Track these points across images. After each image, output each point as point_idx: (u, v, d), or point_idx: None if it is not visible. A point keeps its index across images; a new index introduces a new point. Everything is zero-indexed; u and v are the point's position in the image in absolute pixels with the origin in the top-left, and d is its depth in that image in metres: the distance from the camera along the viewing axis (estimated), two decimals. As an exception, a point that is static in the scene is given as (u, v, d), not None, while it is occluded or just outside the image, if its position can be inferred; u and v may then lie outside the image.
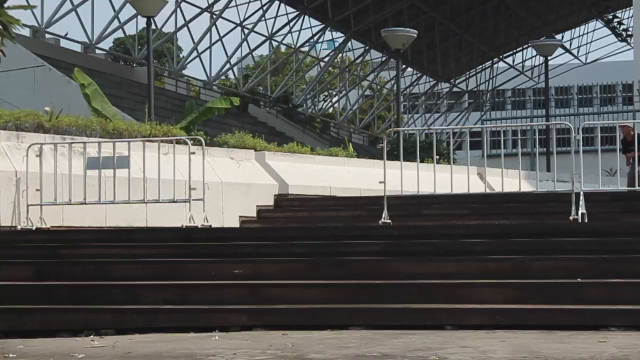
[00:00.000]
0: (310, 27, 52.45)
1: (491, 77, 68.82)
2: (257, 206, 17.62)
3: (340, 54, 56.42)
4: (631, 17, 61.71)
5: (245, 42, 48.70)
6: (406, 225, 14.53)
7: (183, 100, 38.08)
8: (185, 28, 44.92)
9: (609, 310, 10.16)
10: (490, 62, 67.77)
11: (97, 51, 41.72)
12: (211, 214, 15.65)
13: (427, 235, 13.16)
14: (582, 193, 14.57)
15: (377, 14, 51.86)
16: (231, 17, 48.34)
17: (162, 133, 18.06)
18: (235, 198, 17.22)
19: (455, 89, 68.56)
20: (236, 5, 47.12)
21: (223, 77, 53.15)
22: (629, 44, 70.47)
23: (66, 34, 39.81)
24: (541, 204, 16.53)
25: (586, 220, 14.28)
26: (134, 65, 46.57)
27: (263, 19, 48.84)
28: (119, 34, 47.84)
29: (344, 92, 58.91)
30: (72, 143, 15.21)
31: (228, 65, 48.54)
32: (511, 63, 69.01)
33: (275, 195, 18.27)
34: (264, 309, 10.79)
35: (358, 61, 58.95)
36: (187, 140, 15.67)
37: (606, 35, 72.68)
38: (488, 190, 18.64)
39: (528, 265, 11.31)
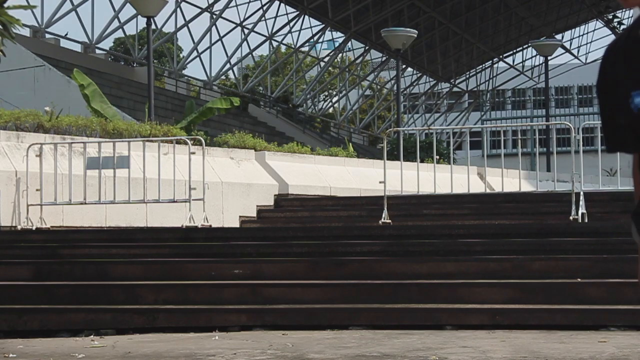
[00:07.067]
0: (310, 27, 52.45)
1: (491, 77, 68.78)
2: (257, 206, 17.62)
3: (340, 54, 56.40)
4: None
5: (245, 42, 48.70)
6: (406, 225, 14.52)
7: (183, 100, 38.05)
8: (185, 28, 44.90)
9: (609, 310, 10.17)
10: (490, 62, 67.74)
11: (97, 51, 41.67)
12: (211, 214, 15.66)
13: (427, 235, 13.17)
14: (582, 193, 14.57)
15: (377, 14, 51.84)
16: (231, 17, 48.40)
17: (162, 133, 18.05)
18: (235, 198, 17.22)
19: (455, 89, 68.52)
20: (236, 5, 47.11)
21: (223, 77, 53.12)
22: (629, 44, 70.38)
23: (66, 34, 39.80)
24: (541, 204, 16.52)
25: (586, 220, 14.28)
26: (134, 65, 46.55)
27: (263, 19, 48.81)
28: (119, 34, 47.91)
29: (344, 92, 58.89)
30: (72, 143, 15.21)
31: (228, 65, 48.51)
32: (511, 63, 68.98)
33: (275, 195, 18.27)
34: (264, 309, 10.79)
35: (358, 61, 58.93)
36: (187, 140, 15.67)
37: (606, 35, 72.63)
38: (488, 190, 18.64)
39: (528, 265, 11.32)
